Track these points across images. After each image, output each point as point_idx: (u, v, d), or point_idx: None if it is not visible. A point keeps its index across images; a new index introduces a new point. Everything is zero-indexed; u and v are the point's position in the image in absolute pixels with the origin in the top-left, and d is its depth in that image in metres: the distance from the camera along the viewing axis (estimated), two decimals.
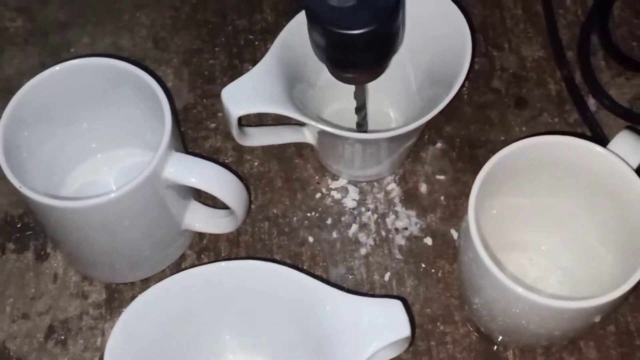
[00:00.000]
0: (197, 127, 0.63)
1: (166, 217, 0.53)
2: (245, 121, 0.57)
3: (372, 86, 0.57)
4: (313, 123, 0.52)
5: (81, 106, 0.54)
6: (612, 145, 0.49)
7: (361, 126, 0.58)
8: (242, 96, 0.52)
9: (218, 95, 0.61)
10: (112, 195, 0.47)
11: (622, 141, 0.49)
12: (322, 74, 0.58)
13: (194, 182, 0.50)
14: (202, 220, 0.56)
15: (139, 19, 0.68)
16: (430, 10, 0.54)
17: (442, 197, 0.60)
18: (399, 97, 0.61)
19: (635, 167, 0.48)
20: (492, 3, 0.68)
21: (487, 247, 0.45)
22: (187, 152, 0.59)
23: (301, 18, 0.55)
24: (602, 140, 0.61)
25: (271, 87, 0.52)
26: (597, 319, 0.46)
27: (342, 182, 0.61)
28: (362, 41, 0.46)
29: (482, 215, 0.48)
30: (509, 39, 0.67)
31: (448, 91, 0.52)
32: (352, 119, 0.58)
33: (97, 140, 0.57)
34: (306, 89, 0.58)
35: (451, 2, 0.54)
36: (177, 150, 0.51)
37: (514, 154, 0.48)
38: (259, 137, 0.57)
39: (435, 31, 0.55)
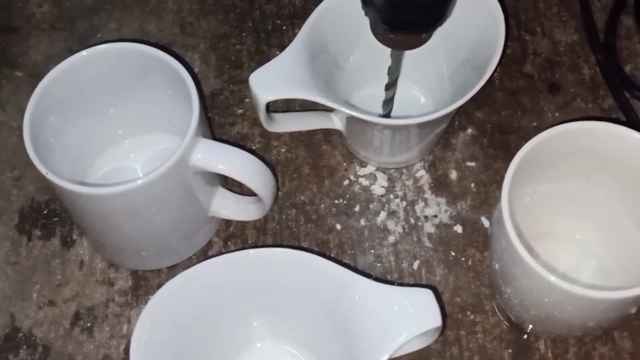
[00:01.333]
0: (224, 113, 0.63)
1: (193, 204, 0.53)
2: (273, 107, 0.56)
3: (403, 72, 0.56)
4: (341, 109, 0.51)
5: (108, 92, 0.54)
6: None
7: (388, 104, 0.57)
8: (270, 81, 0.51)
9: (245, 81, 0.60)
10: (139, 182, 0.46)
11: None
12: (351, 57, 0.58)
13: (222, 168, 0.49)
14: (229, 207, 0.55)
15: (165, 4, 0.68)
16: None
17: (472, 184, 0.59)
18: (430, 82, 0.60)
19: None
20: None
21: (520, 235, 0.44)
22: (214, 139, 0.58)
23: (330, 1, 0.54)
24: (638, 126, 0.59)
25: (299, 72, 0.51)
26: (633, 310, 0.45)
27: (370, 169, 0.60)
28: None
29: (514, 203, 0.46)
30: (542, 22, 0.65)
31: (480, 76, 0.51)
32: (380, 106, 0.58)
33: (124, 126, 0.57)
34: (335, 73, 0.57)
35: None
36: (204, 136, 0.50)
37: (547, 141, 0.47)
38: (286, 123, 0.57)
39: (467, 15, 0.53)
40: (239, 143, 0.61)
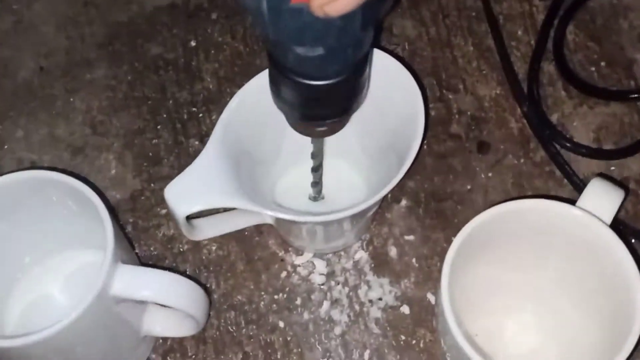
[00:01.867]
0: (147, 216, 0.60)
1: (123, 330, 0.50)
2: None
3: (332, 150, 0.54)
4: (267, 212, 0.48)
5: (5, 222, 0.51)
6: (582, 199, 0.46)
7: (316, 186, 0.55)
8: (187, 193, 0.48)
9: (166, 178, 0.58)
10: (56, 327, 0.43)
11: (592, 194, 0.46)
12: (271, 145, 0.55)
13: (146, 295, 0.46)
14: (162, 324, 0.52)
15: (73, 104, 0.65)
16: (379, 73, 0.51)
17: (413, 260, 0.57)
18: (359, 160, 0.58)
19: (609, 220, 0.46)
20: (442, 43, 0.65)
21: (461, 311, 0.42)
22: (136, 254, 0.56)
23: (240, 95, 0.52)
24: (572, 178, 0.58)
25: (218, 177, 0.49)
26: None
27: (307, 256, 0.58)
28: (335, 90, 0.42)
29: (456, 284, 0.44)
30: (463, 79, 0.63)
31: (402, 161, 0.49)
32: (309, 186, 0.55)
33: (31, 253, 0.54)
34: (256, 166, 0.54)
35: (399, 64, 0.51)
36: (123, 260, 0.47)
37: (482, 225, 0.46)
38: (211, 228, 0.54)
39: (387, 97, 0.51)
40: (166, 246, 0.58)
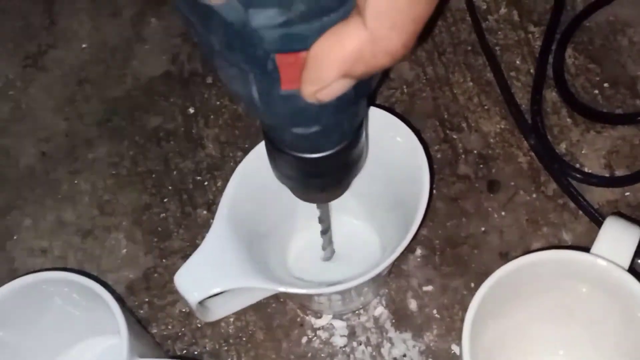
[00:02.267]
0: (162, 293, 0.59)
1: None
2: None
3: (345, 207, 0.53)
4: (282, 289, 0.47)
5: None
6: (597, 244, 0.45)
7: (327, 246, 0.55)
8: (198, 278, 0.47)
9: (177, 252, 0.58)
10: None
11: (607, 238, 0.45)
12: (276, 214, 0.55)
13: None
14: None
15: (78, 186, 0.64)
16: (378, 130, 0.50)
17: (434, 311, 0.56)
18: (372, 215, 0.57)
19: (628, 261, 0.44)
20: (440, 81, 0.64)
21: None
22: (154, 334, 0.55)
23: (241, 169, 0.51)
24: (587, 210, 0.57)
25: (227, 258, 0.48)
26: None
27: (326, 318, 0.57)
28: (334, 159, 0.41)
29: (481, 336, 0.43)
30: (466, 117, 0.62)
31: (414, 209, 0.48)
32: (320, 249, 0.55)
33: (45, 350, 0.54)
34: (264, 237, 0.54)
35: (397, 120, 0.50)
36: (141, 355, 0.46)
37: (499, 281, 0.44)
38: (225, 308, 0.53)
39: (387, 151, 0.51)
40: (184, 322, 0.58)
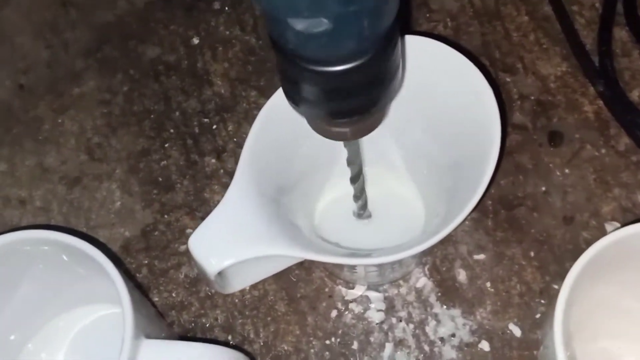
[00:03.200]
0: (164, 255, 0.50)
1: None
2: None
3: (373, 160, 0.44)
4: (313, 257, 0.39)
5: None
6: None
7: (359, 199, 0.46)
8: (217, 244, 0.38)
9: (181, 207, 0.49)
10: None
11: None
12: (302, 164, 0.45)
13: None
14: None
15: (63, 126, 0.55)
16: (442, 71, 0.41)
17: (487, 284, 0.48)
18: (410, 170, 0.48)
19: None
20: (490, 15, 0.55)
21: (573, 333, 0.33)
22: (156, 303, 0.46)
23: (264, 114, 0.42)
24: None
25: (250, 220, 0.39)
26: None
27: (359, 290, 0.48)
28: (357, 76, 0.32)
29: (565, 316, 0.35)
30: (521, 56, 0.53)
31: (476, 169, 0.39)
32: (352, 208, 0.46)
33: (18, 327, 0.45)
34: (290, 192, 0.45)
35: (466, 60, 0.41)
36: (146, 333, 0.38)
37: (596, 257, 0.36)
38: (247, 277, 0.44)
39: (448, 96, 0.42)
40: (190, 289, 0.49)
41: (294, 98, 0.34)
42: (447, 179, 0.44)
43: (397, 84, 0.35)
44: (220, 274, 0.40)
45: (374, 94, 0.34)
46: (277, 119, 0.41)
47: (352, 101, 0.34)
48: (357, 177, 0.44)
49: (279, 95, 0.41)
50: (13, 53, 0.57)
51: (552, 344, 0.34)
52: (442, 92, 0.42)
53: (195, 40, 0.56)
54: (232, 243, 0.38)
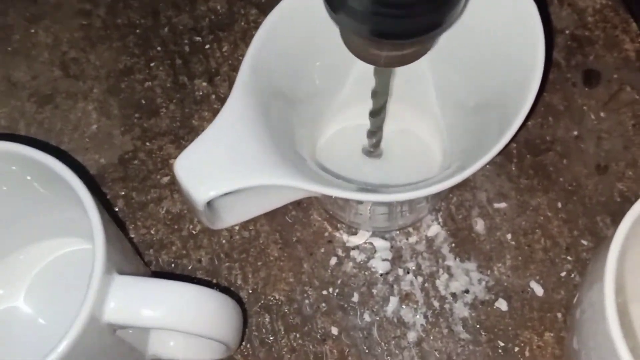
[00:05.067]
0: (143, 186, 0.44)
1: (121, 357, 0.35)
2: None
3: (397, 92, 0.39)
4: (319, 189, 0.33)
5: None
6: None
7: (374, 136, 0.40)
8: (208, 169, 0.33)
9: (165, 134, 0.43)
10: None
11: None
12: (311, 82, 0.40)
13: (152, 323, 0.31)
14: (175, 346, 0.37)
15: (36, 37, 0.48)
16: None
17: (508, 236, 0.42)
18: (429, 107, 0.42)
19: None
20: None
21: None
22: (132, 239, 0.41)
23: (274, 16, 0.36)
24: None
25: (248, 142, 0.33)
26: None
27: (363, 235, 0.43)
28: None
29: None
30: None
31: (507, 111, 0.34)
32: (362, 136, 0.40)
33: None
34: (292, 112, 0.39)
35: None
36: (119, 269, 0.32)
37: None
38: (239, 211, 0.38)
39: (488, 28, 0.36)
40: (172, 226, 0.43)
41: (335, 5, 0.28)
42: (473, 120, 0.38)
43: (458, 11, 0.29)
44: (210, 204, 0.34)
45: (433, 16, 0.28)
46: (288, 26, 0.36)
47: (406, 21, 0.28)
48: (378, 111, 0.38)
49: (284, 4, 0.35)
50: None
51: (599, 300, 0.29)
52: (481, 21, 0.36)
53: None
54: (226, 168, 0.32)
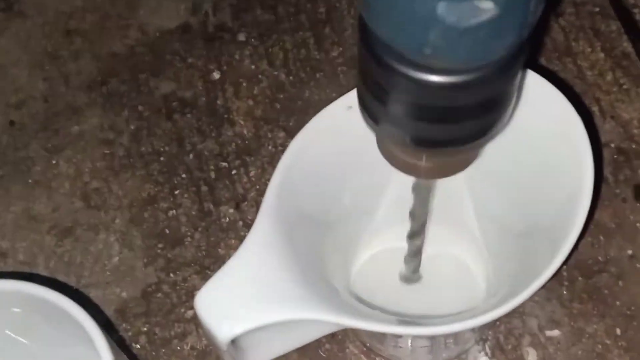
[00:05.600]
0: (167, 321, 0.41)
1: None
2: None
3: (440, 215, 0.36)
4: (354, 324, 0.30)
5: None
6: None
7: (413, 261, 0.37)
8: (230, 304, 0.30)
9: (190, 264, 0.41)
10: None
11: None
12: (343, 205, 0.37)
13: None
14: None
15: (57, 168, 0.47)
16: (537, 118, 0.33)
17: None
18: (472, 230, 0.39)
19: None
20: (559, 50, 0.47)
21: None
22: None
23: (305, 135, 0.33)
24: None
25: (275, 274, 0.30)
26: None
27: None
28: (472, 92, 0.24)
29: None
30: (597, 98, 0.45)
31: (558, 235, 0.31)
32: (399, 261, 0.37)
33: None
34: (324, 237, 0.36)
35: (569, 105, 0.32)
36: None
37: None
38: (267, 349, 0.35)
39: (539, 151, 0.33)
40: None
41: (371, 109, 0.26)
42: (518, 242, 0.35)
43: (508, 116, 0.27)
44: (234, 342, 0.31)
45: (478, 122, 0.26)
46: (316, 148, 0.33)
47: (449, 127, 0.25)
48: (417, 233, 0.35)
49: (319, 119, 0.33)
50: (5, 85, 0.49)
51: None
52: (523, 133, 0.33)
53: (216, 75, 0.49)
54: (250, 303, 0.30)
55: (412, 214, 0.34)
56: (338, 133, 0.33)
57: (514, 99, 0.26)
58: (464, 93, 0.23)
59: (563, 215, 0.31)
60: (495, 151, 0.33)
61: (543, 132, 0.32)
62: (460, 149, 0.26)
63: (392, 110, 0.25)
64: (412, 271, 0.39)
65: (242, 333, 0.29)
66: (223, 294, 0.30)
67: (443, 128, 0.25)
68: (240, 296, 0.30)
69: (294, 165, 0.33)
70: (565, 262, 0.38)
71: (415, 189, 0.32)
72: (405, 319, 0.37)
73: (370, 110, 0.26)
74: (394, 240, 0.37)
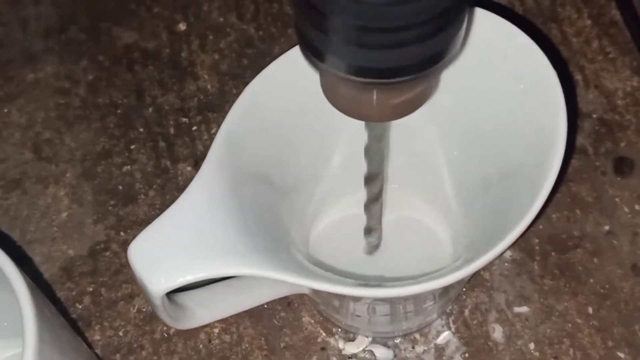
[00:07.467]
0: (114, 281, 0.39)
1: None
2: None
3: (400, 175, 0.34)
4: (305, 283, 0.27)
5: None
6: None
7: (373, 231, 0.35)
8: (167, 254, 0.27)
9: (143, 223, 0.38)
10: None
11: None
12: (300, 166, 0.35)
13: None
14: None
15: (9, 117, 0.44)
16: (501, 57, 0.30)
17: (531, 345, 0.36)
18: (438, 191, 0.37)
19: None
20: (544, 16, 0.45)
21: None
22: (90, 344, 0.35)
23: (255, 86, 0.31)
24: None
25: (218, 223, 0.28)
26: None
27: (362, 342, 0.37)
28: (412, 11, 0.21)
29: None
30: (582, 66, 0.43)
31: (532, 193, 0.28)
32: (361, 231, 0.35)
33: None
34: (279, 200, 0.34)
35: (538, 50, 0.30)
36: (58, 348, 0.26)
37: None
38: (209, 308, 0.33)
39: (506, 93, 0.31)
40: (144, 328, 0.37)
41: (312, 42, 0.23)
42: (491, 196, 0.32)
43: (457, 45, 0.24)
44: (171, 298, 0.29)
45: (424, 47, 0.23)
46: (272, 97, 0.31)
47: (394, 52, 0.23)
48: (376, 197, 0.32)
49: (280, 62, 0.31)
50: None
51: None
52: (494, 82, 0.31)
53: (182, 27, 0.46)
54: (187, 254, 0.27)
55: (367, 179, 0.31)
56: (295, 83, 0.31)
57: (462, 24, 0.24)
58: (406, 8, 0.21)
59: (538, 161, 0.28)
60: (470, 105, 0.31)
61: (517, 83, 0.30)
62: (410, 83, 0.24)
63: (334, 38, 0.22)
64: (374, 243, 0.36)
65: (177, 286, 0.27)
66: (158, 243, 0.27)
67: (388, 54, 0.22)
68: (177, 247, 0.27)
69: (247, 114, 0.31)
70: (536, 235, 0.36)
71: (368, 127, 0.29)
72: (361, 283, 0.35)
73: (311, 44, 0.23)
74: (356, 206, 0.35)
